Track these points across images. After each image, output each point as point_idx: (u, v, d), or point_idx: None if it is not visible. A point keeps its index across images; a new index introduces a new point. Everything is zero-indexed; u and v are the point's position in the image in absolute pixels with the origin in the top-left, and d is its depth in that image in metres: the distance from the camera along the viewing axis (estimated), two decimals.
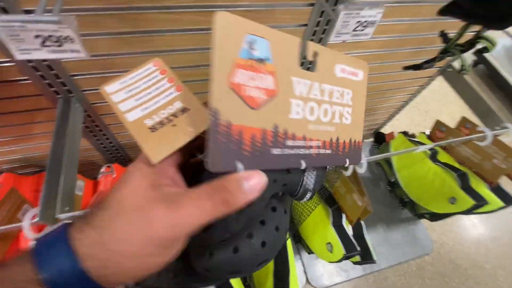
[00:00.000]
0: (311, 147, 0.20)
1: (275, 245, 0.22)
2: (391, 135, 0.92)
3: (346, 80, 0.22)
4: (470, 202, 0.66)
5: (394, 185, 0.94)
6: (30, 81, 0.41)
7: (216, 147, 0.16)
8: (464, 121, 0.74)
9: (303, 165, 0.20)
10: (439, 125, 0.75)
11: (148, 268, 0.16)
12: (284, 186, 0.22)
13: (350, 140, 0.22)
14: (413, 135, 0.90)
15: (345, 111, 0.22)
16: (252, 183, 0.16)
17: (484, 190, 0.68)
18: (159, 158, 0.18)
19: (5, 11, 0.26)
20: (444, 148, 0.76)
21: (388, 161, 0.92)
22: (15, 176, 0.59)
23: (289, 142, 0.19)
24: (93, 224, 0.16)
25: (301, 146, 0.20)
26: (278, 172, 0.21)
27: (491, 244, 1.15)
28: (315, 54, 0.21)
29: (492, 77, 1.50)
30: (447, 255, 1.14)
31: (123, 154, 0.71)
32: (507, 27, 0.25)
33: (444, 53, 0.32)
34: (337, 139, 0.22)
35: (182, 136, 0.18)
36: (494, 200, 0.66)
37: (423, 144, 0.81)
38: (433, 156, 0.78)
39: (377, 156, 0.64)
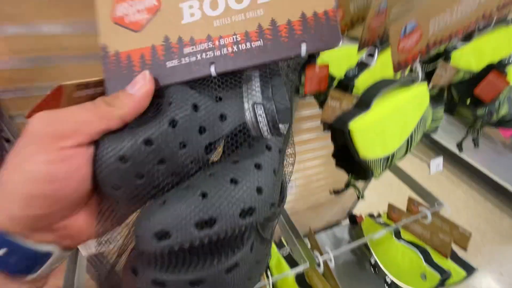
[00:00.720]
0: (223, 46, 0.17)
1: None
2: (361, 218, 1.04)
3: None
4: (437, 277, 0.73)
5: (376, 267, 1.00)
6: None
7: (109, 75, 0.18)
8: (411, 201, 0.89)
9: (213, 71, 0.17)
10: (391, 208, 0.89)
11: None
12: (223, 119, 0.18)
13: (304, 16, 0.17)
14: (379, 215, 1.02)
15: None
16: (136, 85, 0.17)
17: (446, 262, 0.77)
18: None
19: None
20: (402, 227, 0.88)
21: (365, 244, 1.01)
22: None
23: (187, 49, 0.17)
24: None
25: (206, 49, 0.17)
26: (194, 95, 0.17)
27: None
28: None
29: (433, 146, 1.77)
30: None
31: None
32: (369, 178, 0.41)
33: (347, 185, 0.48)
34: (273, 23, 0.17)
35: None
36: (457, 271, 0.75)
37: (387, 224, 0.93)
38: (397, 235, 0.88)
39: (346, 246, 0.74)
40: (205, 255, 0.17)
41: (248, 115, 0.18)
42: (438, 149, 1.73)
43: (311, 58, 0.50)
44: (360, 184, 0.83)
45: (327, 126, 0.44)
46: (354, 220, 1.12)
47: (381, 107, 0.34)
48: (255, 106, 0.18)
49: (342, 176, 0.45)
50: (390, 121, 0.35)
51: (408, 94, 0.37)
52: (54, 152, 0.14)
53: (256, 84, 0.18)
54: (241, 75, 0.18)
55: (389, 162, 0.38)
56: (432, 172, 0.54)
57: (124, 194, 0.17)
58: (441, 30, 0.34)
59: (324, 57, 0.49)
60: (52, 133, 0.14)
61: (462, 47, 0.56)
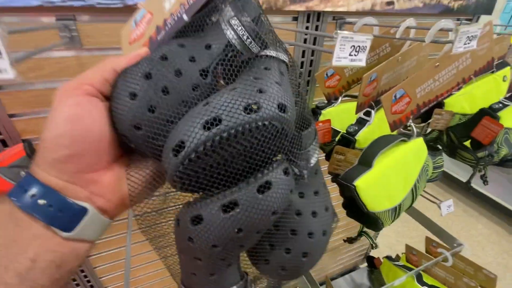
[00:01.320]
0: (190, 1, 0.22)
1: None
2: (379, 260, 1.00)
3: None
4: None
5: None
6: None
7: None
8: (429, 241, 0.86)
9: (185, 17, 0.21)
10: (410, 249, 0.86)
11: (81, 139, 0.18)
12: (208, 48, 0.20)
13: None
14: (397, 257, 0.98)
15: None
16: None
17: None
18: None
19: None
20: (423, 271, 0.84)
21: None
22: None
23: (169, 21, 0.22)
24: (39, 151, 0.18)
25: (180, 11, 0.21)
26: (180, 41, 0.21)
27: None
28: None
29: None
30: None
31: None
32: (380, 229, 0.43)
33: (360, 234, 0.49)
34: None
35: None
36: None
37: (407, 267, 0.89)
38: (419, 279, 0.84)
39: None
40: (234, 181, 0.18)
41: (229, 33, 0.19)
42: (450, 181, 1.71)
43: (314, 115, 0.55)
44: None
45: (334, 178, 0.47)
46: (372, 263, 1.07)
47: (382, 163, 0.37)
48: (230, 21, 0.19)
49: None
50: (393, 175, 0.38)
51: (406, 149, 0.40)
52: (70, 99, 0.18)
53: (227, 9, 0.20)
54: (217, 19, 0.21)
55: (397, 212, 0.40)
56: (443, 214, 0.55)
57: (145, 134, 0.18)
58: (428, 94, 0.38)
59: (326, 113, 0.54)
60: (68, 88, 0.19)
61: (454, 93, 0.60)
